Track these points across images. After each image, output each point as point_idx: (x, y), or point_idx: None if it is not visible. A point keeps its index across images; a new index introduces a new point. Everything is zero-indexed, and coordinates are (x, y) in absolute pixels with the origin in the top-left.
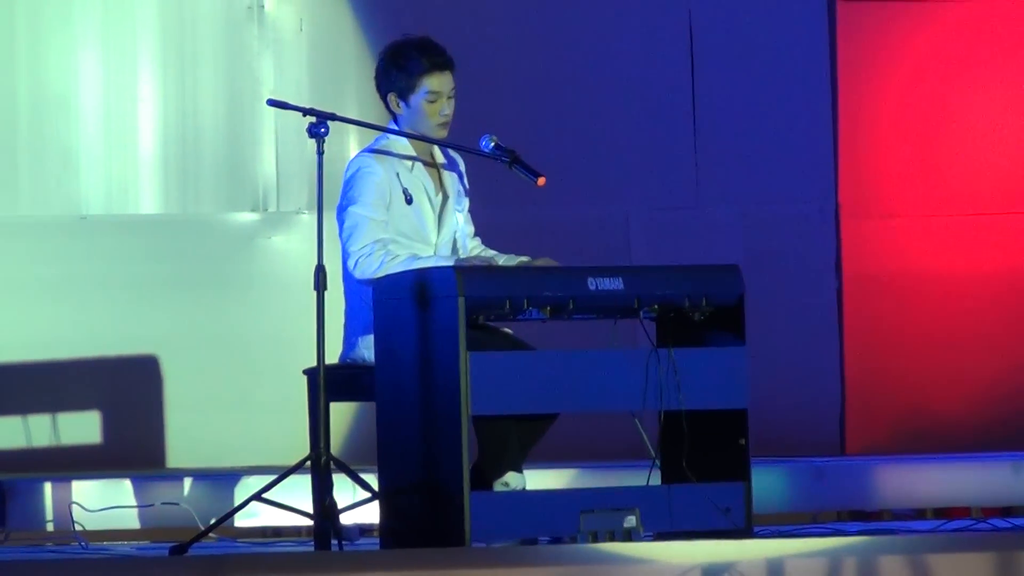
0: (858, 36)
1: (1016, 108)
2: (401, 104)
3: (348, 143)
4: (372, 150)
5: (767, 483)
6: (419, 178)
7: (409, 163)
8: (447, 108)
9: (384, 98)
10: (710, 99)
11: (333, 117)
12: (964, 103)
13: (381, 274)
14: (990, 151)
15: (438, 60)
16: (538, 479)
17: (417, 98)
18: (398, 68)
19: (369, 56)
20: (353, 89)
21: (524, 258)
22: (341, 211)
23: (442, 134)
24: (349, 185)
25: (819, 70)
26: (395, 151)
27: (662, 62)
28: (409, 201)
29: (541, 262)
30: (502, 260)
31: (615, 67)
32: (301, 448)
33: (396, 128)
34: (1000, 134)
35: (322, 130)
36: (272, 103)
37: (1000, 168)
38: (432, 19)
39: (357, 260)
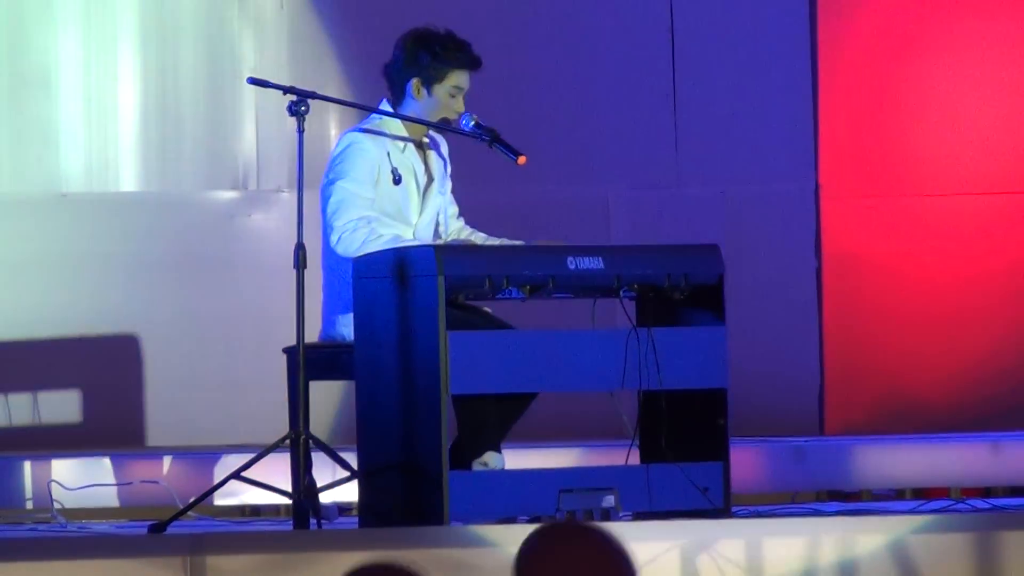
0: (839, 16)
1: (998, 89)
2: (423, 90)
3: (328, 122)
4: (364, 128)
5: (746, 463)
6: (409, 159)
7: (401, 144)
8: (460, 105)
9: (404, 80)
10: (690, 79)
11: (313, 95)
12: (945, 84)
13: (363, 251)
14: (971, 132)
15: (473, 59)
16: (517, 458)
17: (442, 89)
18: (432, 55)
19: (349, 35)
20: (334, 68)
21: (519, 243)
22: (327, 185)
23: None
24: (338, 160)
25: (800, 50)
26: (389, 132)
27: (642, 42)
28: (397, 181)
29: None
30: (496, 244)
31: (595, 46)
32: (280, 427)
33: (387, 110)
34: (981, 116)
35: (302, 108)
36: (252, 81)
37: (981, 149)
38: (412, 1)
39: (340, 236)
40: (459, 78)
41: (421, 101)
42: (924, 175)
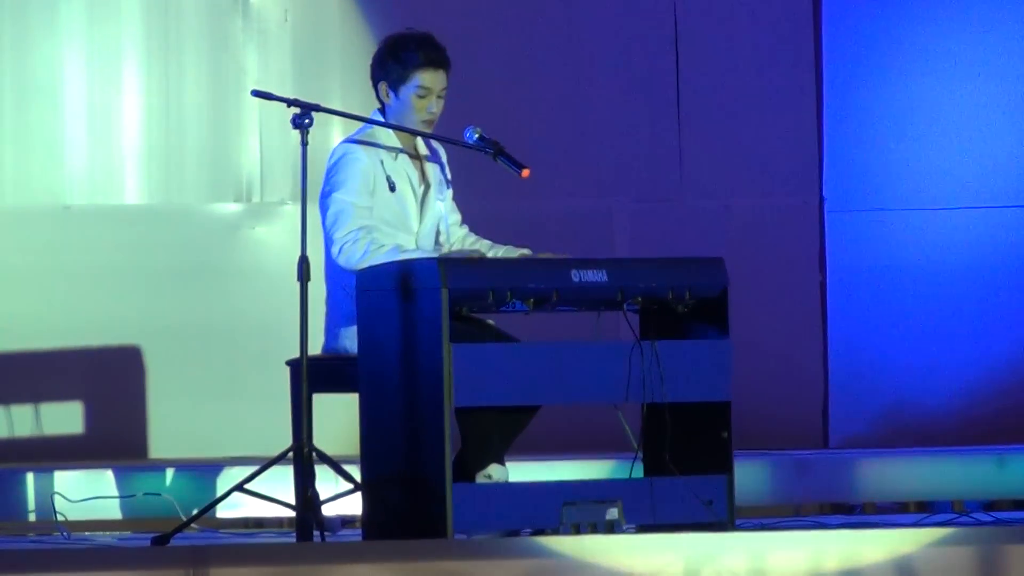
0: (843, 29)
1: (1002, 102)
2: (391, 94)
3: (332, 134)
4: (356, 139)
5: (750, 476)
6: (403, 167)
7: (393, 153)
8: (435, 106)
9: (375, 86)
10: (695, 92)
11: (317, 108)
12: (949, 98)
13: (365, 262)
14: (975, 146)
15: (434, 57)
16: (520, 471)
17: (407, 91)
18: (394, 58)
19: (353, 47)
20: (337, 80)
21: (526, 250)
22: (324, 197)
23: (426, 130)
24: (333, 171)
25: (804, 63)
26: (380, 141)
27: (647, 55)
28: (392, 189)
29: (543, 256)
30: (501, 252)
31: (600, 59)
32: (284, 439)
33: (381, 119)
34: (985, 129)
35: (306, 121)
36: (256, 94)
37: (984, 162)
38: (417, 10)
39: (341, 247)
40: (423, 78)
41: (391, 104)
42: (928, 188)
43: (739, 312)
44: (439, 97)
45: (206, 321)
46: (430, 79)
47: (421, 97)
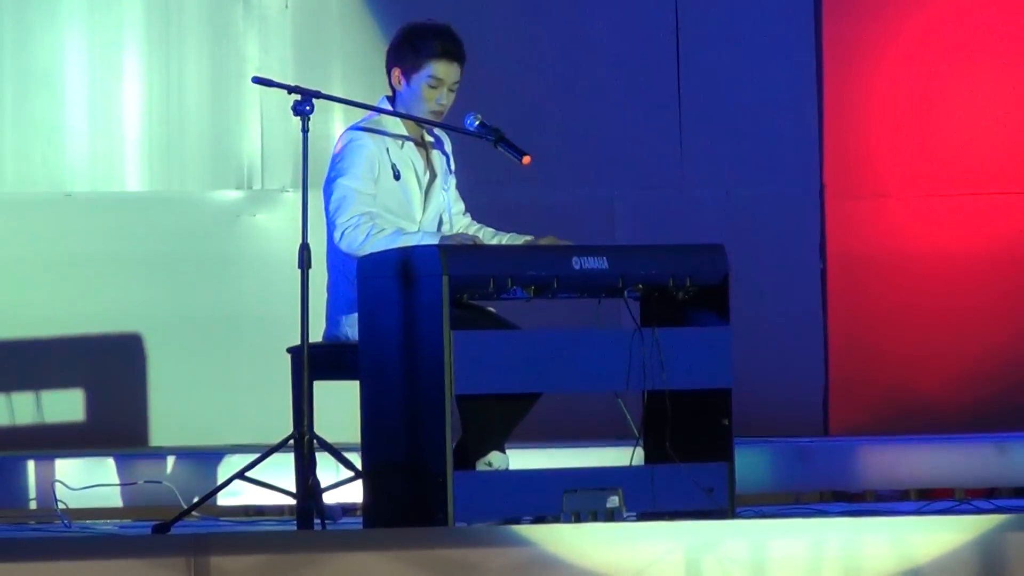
0: (844, 17)
1: (1002, 88)
2: (403, 81)
3: (333, 121)
4: (363, 126)
5: (750, 463)
6: (408, 155)
7: (400, 141)
8: (445, 98)
9: (388, 72)
10: (695, 80)
11: (318, 95)
12: (949, 84)
13: (367, 247)
14: (975, 132)
15: (451, 48)
16: (521, 459)
17: (419, 79)
18: (410, 46)
19: (354, 34)
20: (338, 67)
21: (528, 237)
22: (329, 183)
23: (432, 119)
24: (339, 157)
25: (805, 51)
26: (387, 129)
27: (647, 42)
28: (397, 177)
29: (545, 241)
30: (506, 239)
31: (600, 47)
32: (284, 427)
33: (385, 107)
34: (985, 114)
35: (307, 108)
36: (257, 81)
37: (985, 149)
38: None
39: (343, 231)
40: (436, 68)
41: (402, 91)
42: (929, 175)
43: (740, 299)
44: (450, 90)
45: (207, 308)
46: (443, 70)
47: (432, 87)
